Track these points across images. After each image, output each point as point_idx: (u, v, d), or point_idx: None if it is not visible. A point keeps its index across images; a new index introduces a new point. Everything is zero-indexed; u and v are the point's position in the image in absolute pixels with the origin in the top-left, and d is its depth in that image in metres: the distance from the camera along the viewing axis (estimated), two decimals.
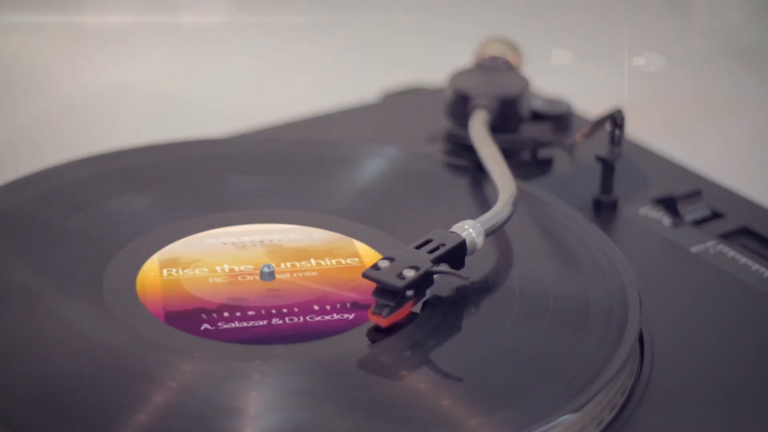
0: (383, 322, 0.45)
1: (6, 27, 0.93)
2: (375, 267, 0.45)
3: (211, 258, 0.50)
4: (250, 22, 0.97)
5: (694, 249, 0.55)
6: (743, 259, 0.54)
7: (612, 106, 0.58)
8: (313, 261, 0.50)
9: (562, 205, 0.54)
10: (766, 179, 0.75)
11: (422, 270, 0.45)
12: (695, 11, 1.01)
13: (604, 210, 0.58)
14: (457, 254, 0.47)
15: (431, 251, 0.46)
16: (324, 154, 0.59)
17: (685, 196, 0.58)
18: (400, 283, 0.44)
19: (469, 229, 0.48)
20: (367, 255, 0.50)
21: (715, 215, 0.58)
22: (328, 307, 0.47)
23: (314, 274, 0.49)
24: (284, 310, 0.47)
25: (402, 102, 0.71)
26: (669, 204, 0.58)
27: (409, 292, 0.45)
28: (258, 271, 0.49)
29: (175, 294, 0.47)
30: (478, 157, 0.57)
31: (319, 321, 0.46)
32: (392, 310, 0.45)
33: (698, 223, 0.57)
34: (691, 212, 0.58)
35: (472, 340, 0.45)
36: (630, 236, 0.56)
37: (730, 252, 0.54)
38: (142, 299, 0.47)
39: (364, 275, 0.45)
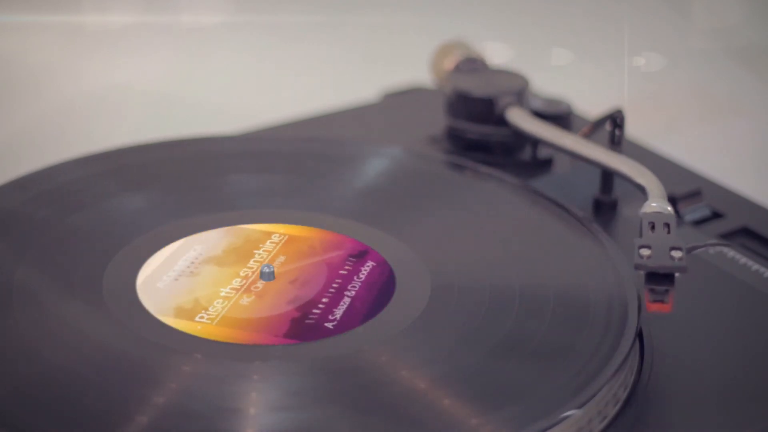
0: (667, 308, 0.45)
1: (6, 27, 0.93)
2: (639, 257, 0.45)
3: (200, 290, 0.48)
4: (250, 22, 0.97)
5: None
6: (743, 259, 0.54)
7: (612, 106, 0.58)
8: (263, 252, 0.50)
9: (562, 204, 0.54)
10: (766, 179, 0.75)
11: (686, 248, 0.46)
12: (695, 11, 1.01)
13: (604, 210, 0.58)
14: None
15: (669, 231, 0.47)
16: (324, 153, 0.59)
17: (685, 196, 0.58)
18: (684, 264, 0.45)
19: (663, 205, 0.49)
20: (280, 229, 0.52)
21: (715, 215, 0.58)
22: (348, 266, 0.49)
23: (285, 258, 0.50)
24: (334, 286, 0.48)
25: (402, 102, 0.71)
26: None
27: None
28: (255, 275, 0.49)
29: (256, 326, 0.46)
30: (563, 148, 0.58)
31: (367, 280, 0.48)
32: (670, 292, 0.45)
33: (698, 223, 0.57)
34: (691, 212, 0.58)
35: (472, 339, 0.45)
36: (630, 236, 0.56)
37: (730, 252, 0.54)
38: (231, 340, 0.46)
39: (639, 267, 0.45)
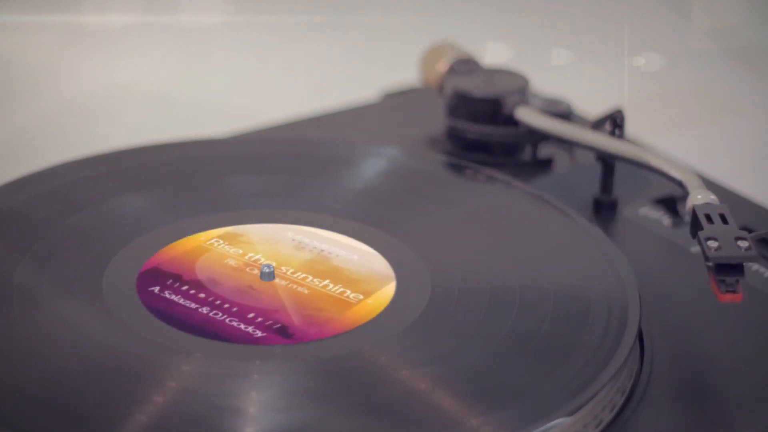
0: (739, 297, 0.45)
1: (6, 27, 0.93)
2: (709, 249, 0.45)
3: (262, 246, 0.51)
4: (250, 22, 0.97)
5: (694, 249, 0.55)
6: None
7: (612, 106, 0.58)
8: (322, 281, 0.49)
9: (561, 205, 0.54)
10: (766, 179, 0.75)
11: (749, 237, 0.46)
12: (695, 11, 1.01)
13: (604, 210, 0.58)
14: None
15: (725, 222, 0.47)
16: (324, 154, 0.59)
17: (685, 197, 0.58)
18: (755, 253, 0.45)
19: (709, 196, 0.49)
20: (383, 299, 0.48)
21: None
22: (259, 320, 0.46)
23: (305, 291, 0.48)
24: (226, 306, 0.47)
25: (402, 102, 0.71)
26: (669, 204, 0.58)
27: None
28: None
29: (183, 259, 0.50)
30: (586, 145, 0.57)
31: (233, 326, 0.46)
32: (739, 282, 0.45)
33: None
34: None
35: (472, 339, 0.45)
36: (630, 236, 0.56)
37: None
38: (157, 257, 0.49)
39: (712, 258, 0.45)
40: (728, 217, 0.47)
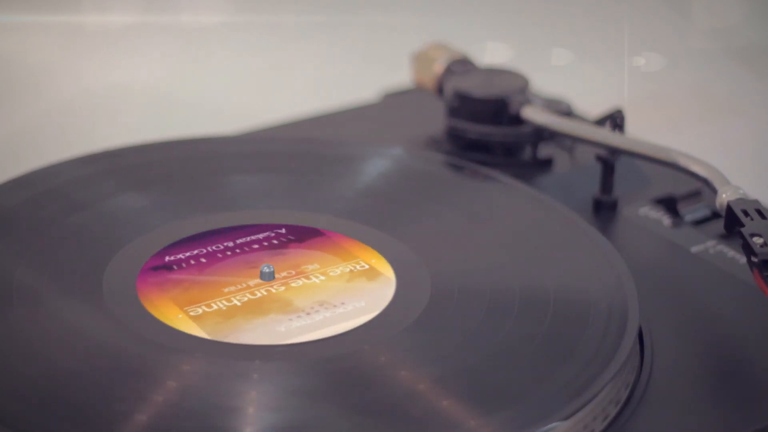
0: None
1: (6, 27, 0.93)
2: (754, 245, 0.44)
3: (350, 294, 0.48)
4: (250, 22, 0.97)
5: (694, 249, 0.55)
6: (743, 259, 0.54)
7: (612, 106, 0.58)
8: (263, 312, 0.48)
9: (560, 207, 0.54)
10: (766, 179, 0.75)
11: None
12: (695, 11, 1.01)
13: (604, 210, 0.58)
14: None
15: (763, 217, 0.46)
16: (324, 154, 0.59)
17: (685, 196, 0.58)
18: None
19: (739, 191, 0.48)
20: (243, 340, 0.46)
21: (715, 215, 0.58)
22: (183, 265, 0.49)
23: (247, 298, 0.48)
24: (220, 253, 0.50)
25: (402, 102, 0.71)
26: (669, 204, 0.58)
27: None
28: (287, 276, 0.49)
29: (318, 245, 0.52)
30: (601, 143, 0.57)
31: (174, 257, 0.50)
32: None
33: (698, 223, 0.57)
34: (691, 212, 0.58)
35: (472, 340, 0.45)
36: (630, 236, 0.56)
37: (730, 252, 0.54)
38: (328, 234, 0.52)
39: (760, 254, 0.44)
40: (765, 212, 0.47)
